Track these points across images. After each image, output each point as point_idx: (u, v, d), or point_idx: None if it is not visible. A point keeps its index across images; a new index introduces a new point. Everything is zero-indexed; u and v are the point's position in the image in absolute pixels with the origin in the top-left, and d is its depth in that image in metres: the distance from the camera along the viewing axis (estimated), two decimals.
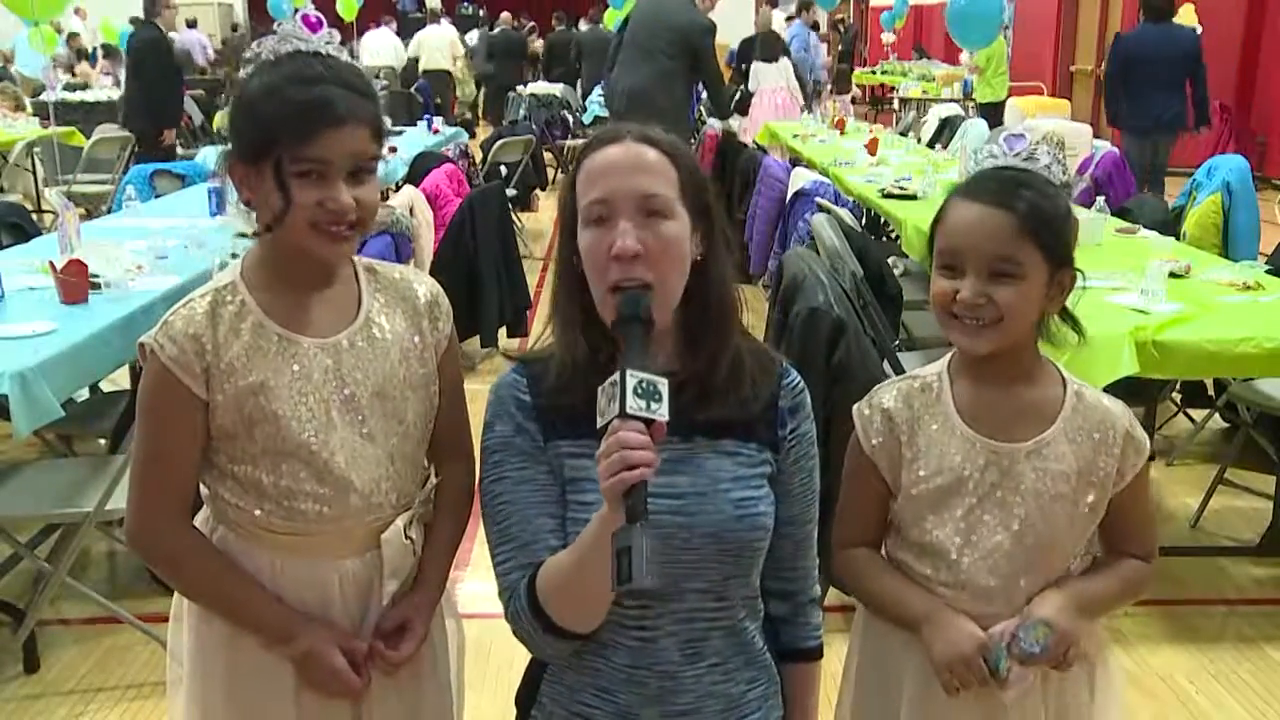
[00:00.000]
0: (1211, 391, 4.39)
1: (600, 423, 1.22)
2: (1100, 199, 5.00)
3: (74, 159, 8.71)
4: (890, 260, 4.24)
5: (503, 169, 8.23)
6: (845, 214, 4.71)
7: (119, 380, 3.82)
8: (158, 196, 5.79)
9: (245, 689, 1.61)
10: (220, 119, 9.79)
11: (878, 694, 1.68)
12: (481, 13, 17.70)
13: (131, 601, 3.14)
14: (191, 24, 16.52)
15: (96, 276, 3.39)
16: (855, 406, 1.67)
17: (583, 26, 15.24)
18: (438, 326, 1.66)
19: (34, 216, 6.54)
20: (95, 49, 15.39)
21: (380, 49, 15.05)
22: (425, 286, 1.68)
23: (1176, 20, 8.30)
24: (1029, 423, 1.58)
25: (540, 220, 9.05)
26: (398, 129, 9.04)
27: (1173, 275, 3.63)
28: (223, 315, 1.52)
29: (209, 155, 6.55)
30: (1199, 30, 8.35)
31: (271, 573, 1.57)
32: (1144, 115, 7.72)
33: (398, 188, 6.53)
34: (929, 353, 3.81)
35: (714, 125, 7.57)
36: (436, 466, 1.73)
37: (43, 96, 10.45)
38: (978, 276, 1.51)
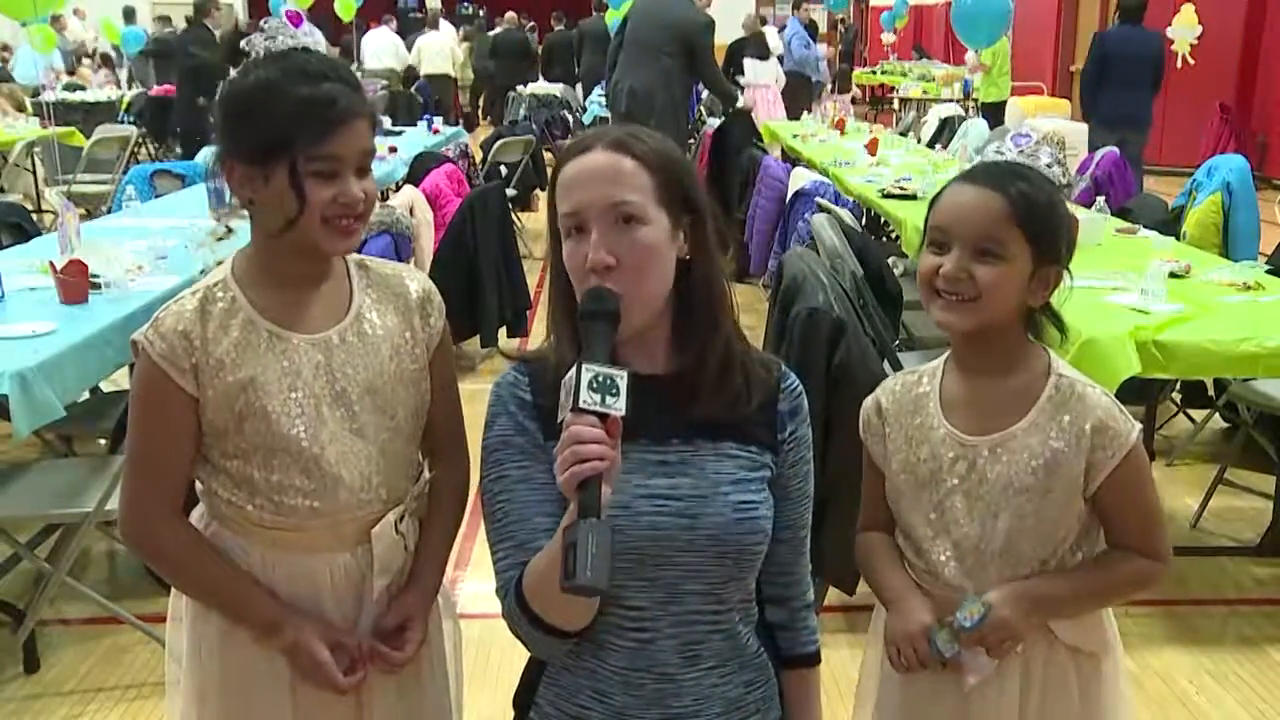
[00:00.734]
0: (1211, 391, 4.39)
1: (560, 417, 1.22)
2: (1100, 199, 5.01)
3: (74, 159, 8.71)
4: (890, 260, 4.23)
5: (503, 169, 8.24)
6: (845, 214, 4.71)
7: (119, 380, 3.81)
8: (158, 196, 5.79)
9: (243, 688, 1.61)
10: None
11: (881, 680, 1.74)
12: (481, 13, 17.68)
13: (131, 601, 3.14)
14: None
15: (96, 276, 3.38)
16: (864, 400, 1.74)
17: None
18: (429, 322, 1.66)
19: (34, 216, 6.53)
20: (94, 50, 15.39)
21: (381, 50, 15.04)
22: (417, 283, 1.69)
23: (1177, 20, 8.69)
24: (1006, 414, 1.60)
25: (540, 220, 9.00)
26: (398, 129, 9.05)
27: (1173, 275, 3.63)
28: (212, 312, 1.53)
29: (209, 155, 6.53)
30: (1199, 30, 8.50)
31: (263, 567, 1.58)
32: (1117, 110, 8.12)
33: (398, 188, 6.52)
34: (929, 353, 3.81)
35: (714, 123, 7.57)
36: (431, 462, 1.73)
37: (42, 97, 10.45)
38: (962, 252, 1.54)
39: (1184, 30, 10.17)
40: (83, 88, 12.81)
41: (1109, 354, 2.99)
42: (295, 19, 1.58)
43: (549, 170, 1.44)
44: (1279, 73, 11.86)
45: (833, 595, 3.08)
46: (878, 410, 1.70)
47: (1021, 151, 1.58)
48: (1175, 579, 3.44)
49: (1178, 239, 4.80)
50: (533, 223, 8.71)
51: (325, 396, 1.55)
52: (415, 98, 12.34)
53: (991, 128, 8.16)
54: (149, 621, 3.00)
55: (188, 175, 6.05)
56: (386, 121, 9.21)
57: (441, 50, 15.25)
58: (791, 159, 8.03)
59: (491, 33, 16.95)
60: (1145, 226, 4.75)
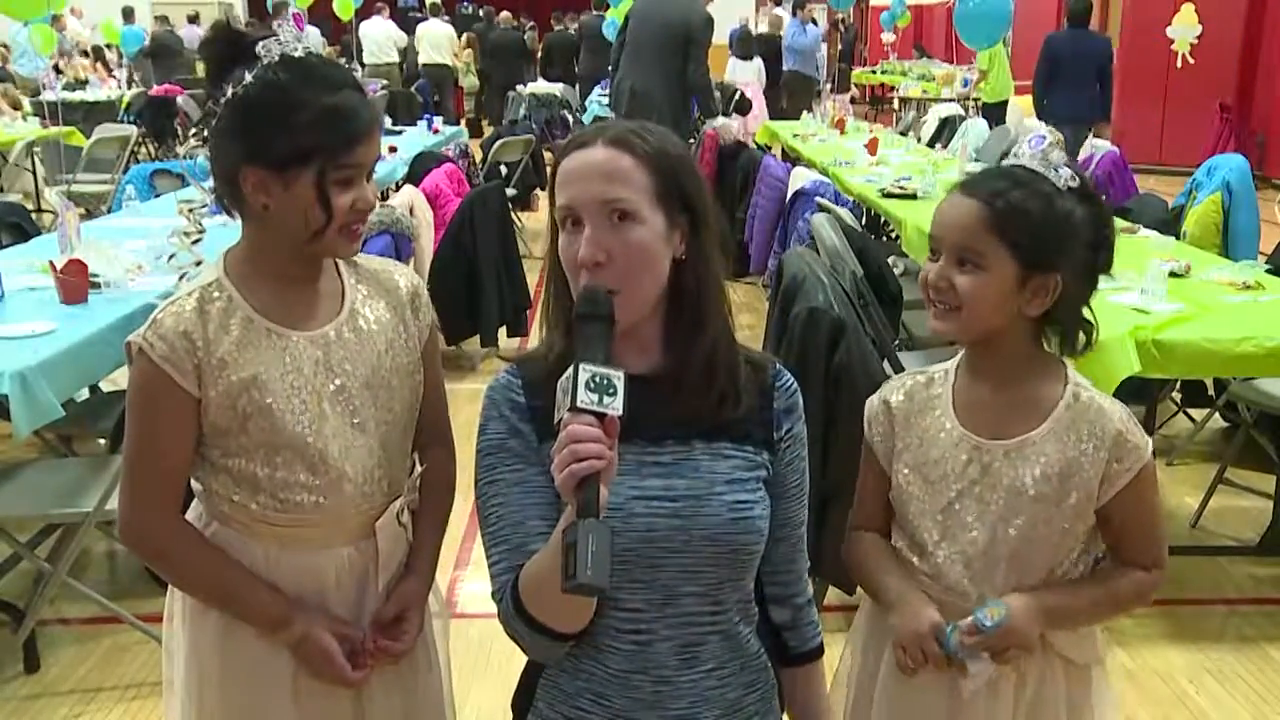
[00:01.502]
0: (1211, 391, 4.39)
1: (556, 417, 1.22)
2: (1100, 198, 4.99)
3: (74, 159, 8.71)
4: (890, 260, 4.23)
5: (503, 169, 8.24)
6: (845, 214, 4.71)
7: (119, 380, 3.81)
8: (158, 196, 5.78)
9: (242, 686, 1.61)
10: None
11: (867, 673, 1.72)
12: (481, 12, 17.66)
13: (131, 601, 3.14)
14: (193, 19, 16.50)
15: (96, 276, 3.39)
16: (869, 398, 1.73)
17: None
18: (419, 316, 1.69)
19: (34, 216, 6.54)
20: (92, 48, 15.38)
21: (380, 42, 14.98)
22: (406, 278, 1.71)
23: (1177, 20, 8.93)
24: (1021, 421, 1.59)
25: (540, 220, 9.03)
26: (398, 129, 9.04)
27: (1173, 275, 3.63)
28: (210, 312, 1.53)
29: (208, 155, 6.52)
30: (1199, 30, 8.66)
31: (267, 563, 1.59)
32: (1064, 107, 8.56)
33: (398, 188, 6.52)
34: (929, 353, 3.81)
35: (713, 124, 7.56)
36: (420, 454, 1.75)
37: (42, 96, 10.45)
38: (946, 261, 1.55)
39: (1184, 30, 10.20)
40: (83, 85, 12.80)
41: (1109, 354, 2.98)
42: (296, 20, 1.58)
43: (549, 170, 1.44)
44: (1279, 73, 11.86)
45: (833, 595, 3.08)
46: (886, 408, 1.68)
47: (1033, 156, 1.55)
48: (1175, 579, 3.41)
49: (1178, 239, 4.80)
50: (532, 222, 8.72)
51: (326, 392, 1.56)
52: (415, 97, 12.34)
53: (992, 128, 8.17)
54: (149, 621, 3.00)
55: (188, 175, 6.04)
56: (387, 121, 9.21)
57: (440, 40, 15.21)
58: (791, 158, 8.03)
59: (490, 33, 16.94)
60: (1145, 226, 4.75)
